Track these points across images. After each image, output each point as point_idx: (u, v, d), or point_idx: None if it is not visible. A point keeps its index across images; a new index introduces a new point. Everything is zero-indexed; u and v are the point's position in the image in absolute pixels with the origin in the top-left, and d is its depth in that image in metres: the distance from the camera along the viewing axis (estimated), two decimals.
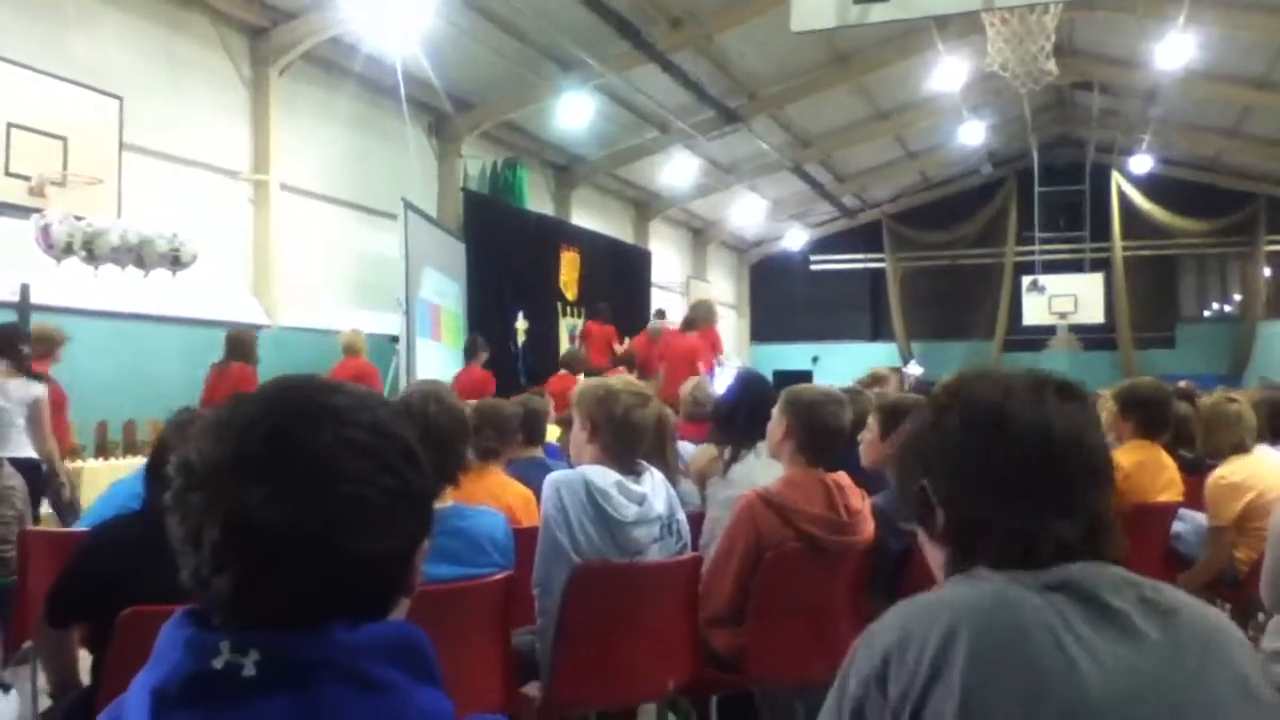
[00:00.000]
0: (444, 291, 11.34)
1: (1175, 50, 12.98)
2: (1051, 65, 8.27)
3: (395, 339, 10.02)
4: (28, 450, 5.77)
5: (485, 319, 11.80)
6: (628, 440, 2.92)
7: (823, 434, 3.14)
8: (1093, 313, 20.18)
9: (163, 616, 0.95)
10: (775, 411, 3.22)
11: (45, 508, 5.77)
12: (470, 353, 9.87)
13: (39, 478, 5.71)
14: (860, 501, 3.18)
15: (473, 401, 4.36)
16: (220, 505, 0.91)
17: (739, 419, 3.81)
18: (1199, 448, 4.70)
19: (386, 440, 0.97)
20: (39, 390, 5.72)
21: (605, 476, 2.82)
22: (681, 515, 3.00)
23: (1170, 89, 15.44)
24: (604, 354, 11.53)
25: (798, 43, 12.24)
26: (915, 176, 21.96)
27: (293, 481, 0.91)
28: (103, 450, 7.62)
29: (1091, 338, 21.18)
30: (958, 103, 16.23)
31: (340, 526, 0.92)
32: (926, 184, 22.56)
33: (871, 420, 3.49)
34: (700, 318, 10.91)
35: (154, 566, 1.30)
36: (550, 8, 10.84)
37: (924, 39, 13.50)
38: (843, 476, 3.20)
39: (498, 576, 2.63)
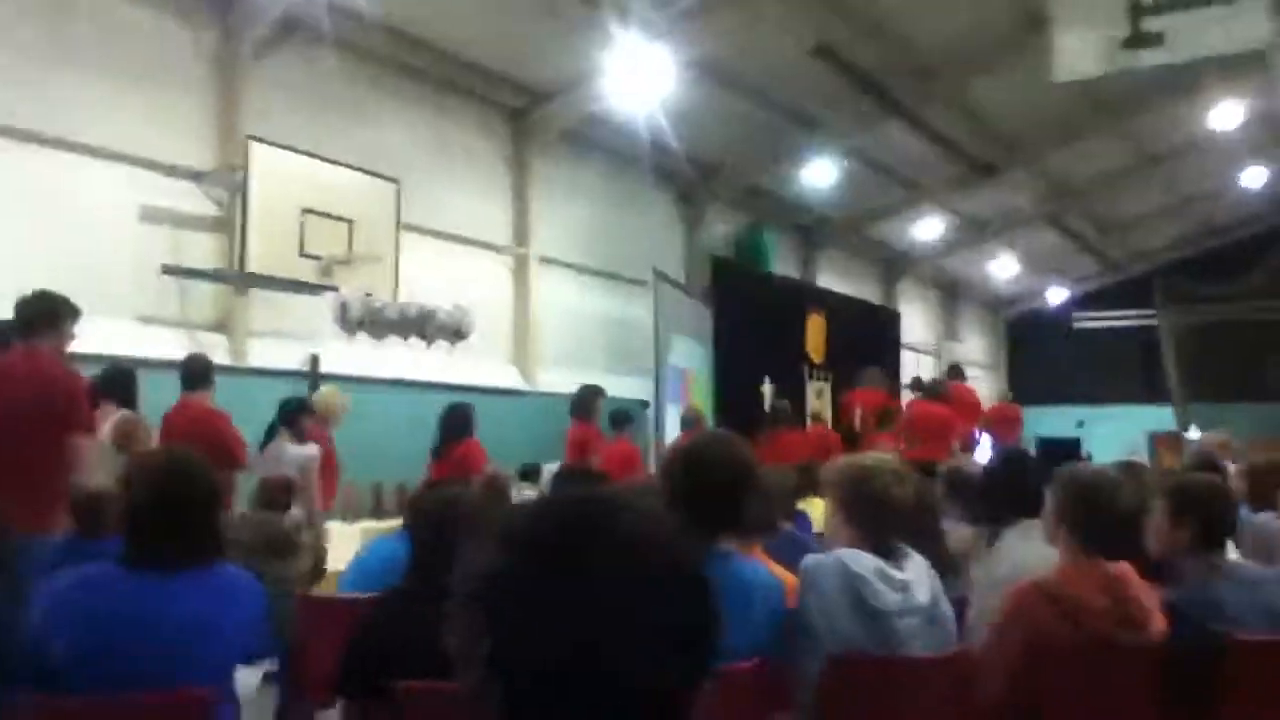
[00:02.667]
0: (692, 356, 11.48)
1: None
2: None
3: (646, 404, 10.23)
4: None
5: (732, 384, 11.84)
6: (885, 521, 2.78)
7: (1103, 520, 2.89)
8: None
9: (431, 692, 0.95)
10: (1049, 493, 3.00)
11: None
12: (619, 423, 8.12)
13: None
14: (1147, 595, 2.90)
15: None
16: (493, 624, 0.90)
17: (998, 493, 3.59)
18: None
19: (671, 570, 0.93)
20: (312, 451, 6.17)
21: (864, 562, 2.68)
22: (947, 606, 2.82)
23: None
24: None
25: (1054, 89, 11.68)
26: (1189, 225, 20.37)
27: (570, 606, 0.89)
28: (378, 511, 8.13)
29: None
30: (1237, 143, 15.00)
31: (617, 658, 0.88)
32: (1202, 232, 20.86)
33: (1159, 503, 3.19)
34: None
35: (422, 642, 1.33)
36: (792, 70, 10.88)
37: (1196, 78, 12.58)
38: (1124, 566, 2.93)
39: (747, 665, 2.55)
